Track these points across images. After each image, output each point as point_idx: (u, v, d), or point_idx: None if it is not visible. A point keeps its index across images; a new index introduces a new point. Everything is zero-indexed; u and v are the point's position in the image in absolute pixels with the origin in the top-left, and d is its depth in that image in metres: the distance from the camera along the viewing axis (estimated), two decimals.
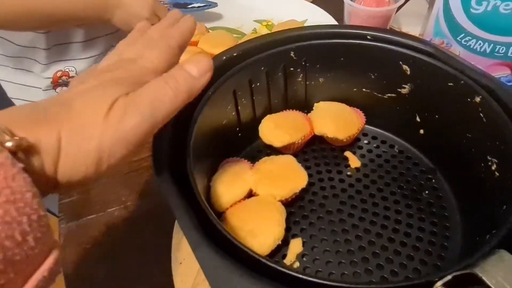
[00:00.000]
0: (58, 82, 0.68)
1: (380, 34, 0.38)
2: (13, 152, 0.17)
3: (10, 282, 0.16)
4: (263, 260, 0.23)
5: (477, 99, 0.33)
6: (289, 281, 0.22)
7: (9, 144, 0.17)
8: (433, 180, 0.40)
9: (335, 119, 0.41)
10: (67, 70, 0.67)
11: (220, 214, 0.36)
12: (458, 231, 0.35)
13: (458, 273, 0.22)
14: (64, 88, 0.70)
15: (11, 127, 0.18)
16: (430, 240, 0.35)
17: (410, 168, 0.41)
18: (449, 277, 0.23)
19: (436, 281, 0.23)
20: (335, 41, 0.39)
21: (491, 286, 0.20)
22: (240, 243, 0.25)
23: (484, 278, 0.21)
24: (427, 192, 0.39)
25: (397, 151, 0.43)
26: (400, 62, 0.38)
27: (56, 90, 0.69)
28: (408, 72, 0.38)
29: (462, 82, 0.34)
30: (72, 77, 0.68)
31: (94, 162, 0.21)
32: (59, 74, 0.67)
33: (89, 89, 0.23)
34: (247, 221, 0.34)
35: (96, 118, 0.21)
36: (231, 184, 0.37)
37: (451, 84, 0.35)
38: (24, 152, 0.18)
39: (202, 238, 0.23)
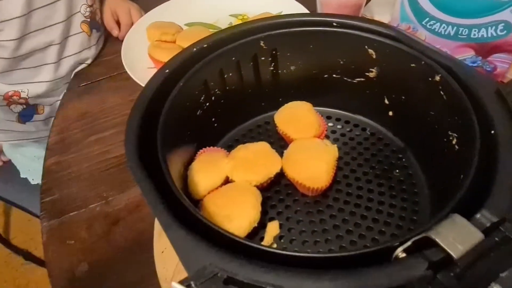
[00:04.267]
0: (10, 100, 0.68)
1: (345, 21, 0.39)
2: None
3: None
4: (229, 235, 0.24)
5: (437, 77, 0.34)
6: (254, 254, 0.23)
7: None
8: (404, 159, 0.41)
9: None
10: (19, 91, 0.67)
11: (198, 202, 0.37)
12: (427, 205, 0.37)
13: (416, 238, 0.23)
14: (19, 106, 0.70)
15: None
16: (401, 216, 0.37)
17: (381, 149, 0.43)
18: (409, 243, 0.24)
19: (397, 246, 0.24)
20: (303, 29, 0.41)
21: (443, 246, 0.22)
22: (211, 222, 0.26)
23: (437, 239, 0.22)
24: (397, 170, 0.40)
25: (369, 133, 0.44)
26: (366, 47, 0.39)
27: (10, 107, 0.69)
28: (374, 56, 0.39)
29: (423, 62, 0.35)
30: (24, 98, 0.68)
31: None
32: (10, 93, 0.67)
33: None
34: (223, 207, 0.35)
35: None
36: (207, 172, 0.37)
37: (413, 65, 0.36)
38: None
39: (173, 219, 0.24)
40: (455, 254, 0.21)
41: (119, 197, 0.46)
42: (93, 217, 0.45)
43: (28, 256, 1.18)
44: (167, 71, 0.36)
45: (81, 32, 0.67)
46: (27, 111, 0.71)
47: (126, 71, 0.58)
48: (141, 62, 0.61)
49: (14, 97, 0.67)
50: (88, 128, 0.55)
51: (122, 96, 0.60)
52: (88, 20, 0.68)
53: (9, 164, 0.79)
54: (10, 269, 1.24)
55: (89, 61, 0.69)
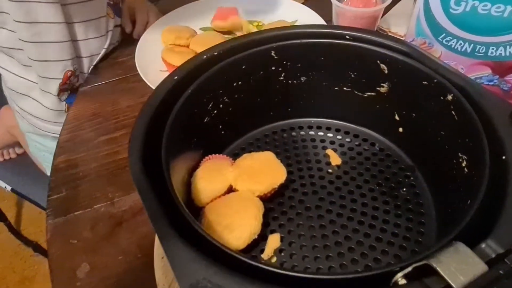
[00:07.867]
0: (66, 83, 0.65)
1: (358, 34, 0.39)
2: None
3: None
4: (225, 249, 0.24)
5: (449, 97, 0.33)
6: (252, 271, 0.23)
7: None
8: (412, 178, 0.40)
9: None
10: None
11: (200, 209, 0.37)
12: (433, 227, 0.36)
13: (416, 264, 0.23)
14: (65, 93, 0.68)
15: None
16: (405, 236, 0.36)
17: (390, 166, 0.42)
18: (409, 269, 0.23)
19: (397, 271, 0.23)
20: (315, 40, 0.40)
21: (444, 276, 0.21)
22: (209, 235, 0.25)
23: (438, 268, 0.21)
24: (404, 189, 0.39)
25: (377, 149, 0.43)
26: (378, 61, 0.38)
27: (60, 97, 0.67)
28: (386, 71, 0.39)
29: (436, 80, 0.34)
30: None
31: None
32: (69, 74, 0.64)
33: None
34: (224, 216, 0.35)
35: None
36: (211, 179, 0.37)
37: (425, 82, 0.35)
38: None
39: (169, 229, 0.24)
40: (455, 285, 0.21)
41: (124, 199, 0.47)
42: (97, 217, 0.45)
43: (37, 248, 1.20)
44: (176, 77, 0.36)
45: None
46: (71, 98, 0.68)
47: (139, 73, 0.58)
48: (154, 65, 0.61)
49: (72, 77, 0.65)
50: (98, 128, 0.56)
51: (134, 98, 0.60)
52: (112, 2, 0.68)
53: (22, 157, 0.81)
54: (19, 260, 1.26)
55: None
